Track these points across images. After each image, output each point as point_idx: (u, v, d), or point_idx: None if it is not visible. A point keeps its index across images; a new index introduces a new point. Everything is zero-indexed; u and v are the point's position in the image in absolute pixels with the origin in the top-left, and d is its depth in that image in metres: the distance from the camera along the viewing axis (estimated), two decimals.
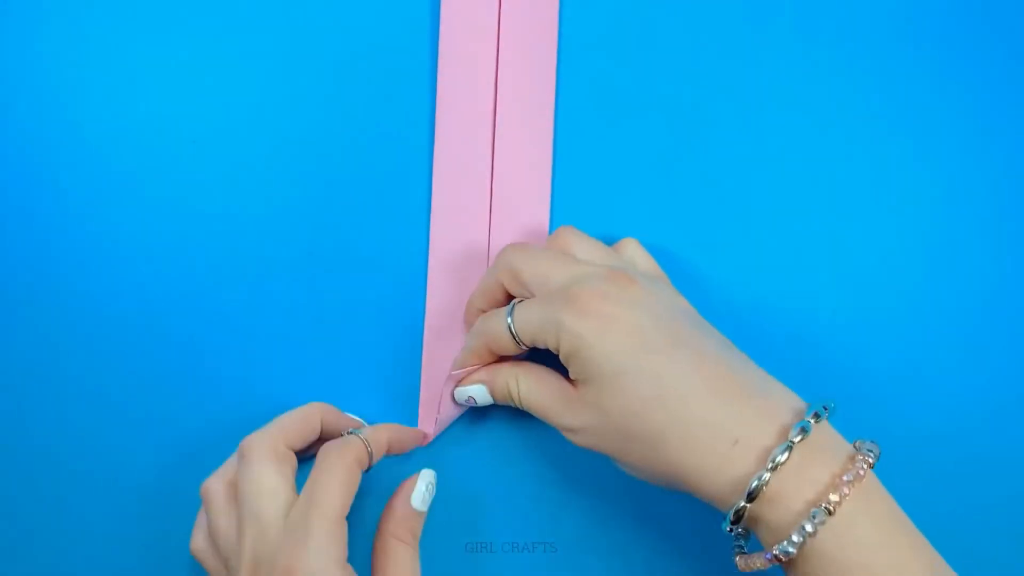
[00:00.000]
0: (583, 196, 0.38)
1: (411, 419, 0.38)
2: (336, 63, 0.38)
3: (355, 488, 0.32)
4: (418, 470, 0.35)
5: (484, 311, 0.35)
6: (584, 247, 0.34)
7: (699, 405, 0.29)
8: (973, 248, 0.38)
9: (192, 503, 0.36)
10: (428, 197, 0.38)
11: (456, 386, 0.35)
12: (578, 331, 0.30)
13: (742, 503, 0.28)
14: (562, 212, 0.38)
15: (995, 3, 0.39)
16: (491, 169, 0.38)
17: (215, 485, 0.33)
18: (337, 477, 0.31)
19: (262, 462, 0.32)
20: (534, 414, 0.33)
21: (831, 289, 0.38)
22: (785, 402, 0.30)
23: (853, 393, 0.38)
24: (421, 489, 0.34)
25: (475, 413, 0.37)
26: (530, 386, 0.33)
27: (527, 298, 0.33)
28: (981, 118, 0.38)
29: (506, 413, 0.37)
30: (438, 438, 0.37)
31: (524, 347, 0.33)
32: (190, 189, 0.38)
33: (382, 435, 0.34)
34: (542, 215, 0.38)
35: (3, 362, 0.37)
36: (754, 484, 0.27)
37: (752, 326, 0.38)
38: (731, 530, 0.29)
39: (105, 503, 0.37)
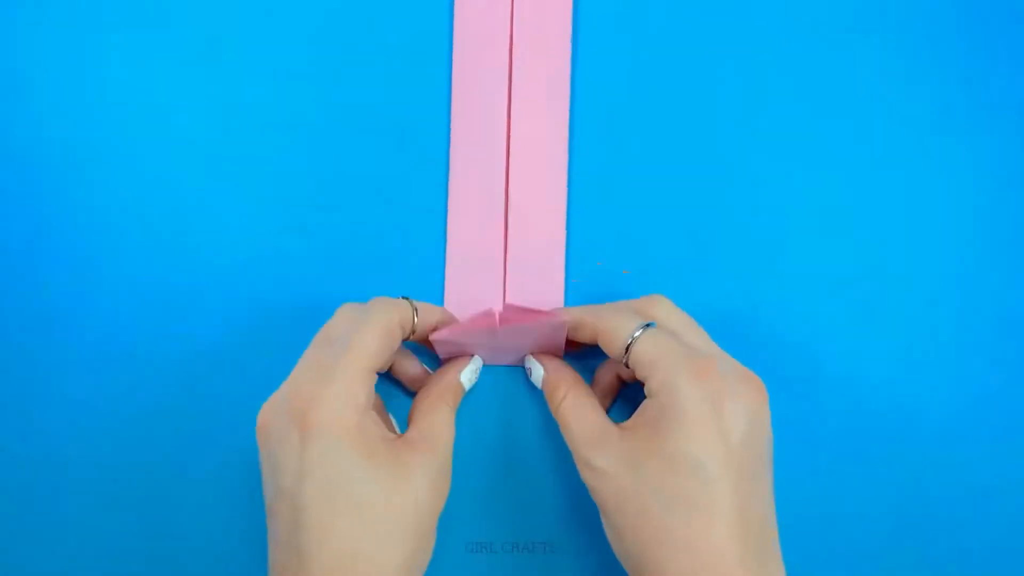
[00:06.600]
0: (598, 206, 0.38)
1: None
2: (348, 72, 0.38)
3: (394, 345, 0.31)
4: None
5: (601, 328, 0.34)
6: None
7: (725, 542, 0.28)
8: (982, 254, 0.38)
9: (194, 503, 0.36)
10: (444, 204, 0.38)
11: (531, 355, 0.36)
12: (688, 394, 0.29)
13: None
14: (578, 219, 0.38)
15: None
16: (506, 182, 0.38)
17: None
18: (376, 329, 0.30)
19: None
20: (563, 431, 0.33)
21: (846, 303, 0.38)
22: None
23: (853, 399, 0.38)
24: (470, 368, 0.35)
25: (474, 413, 0.37)
26: (576, 403, 0.33)
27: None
28: (994, 121, 0.39)
29: (506, 412, 0.38)
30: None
31: (622, 361, 0.32)
32: (193, 188, 0.38)
33: (434, 310, 0.34)
34: (558, 229, 0.38)
35: (3, 361, 0.37)
36: None
37: (761, 334, 0.38)
38: None
39: (105, 504, 0.37)
